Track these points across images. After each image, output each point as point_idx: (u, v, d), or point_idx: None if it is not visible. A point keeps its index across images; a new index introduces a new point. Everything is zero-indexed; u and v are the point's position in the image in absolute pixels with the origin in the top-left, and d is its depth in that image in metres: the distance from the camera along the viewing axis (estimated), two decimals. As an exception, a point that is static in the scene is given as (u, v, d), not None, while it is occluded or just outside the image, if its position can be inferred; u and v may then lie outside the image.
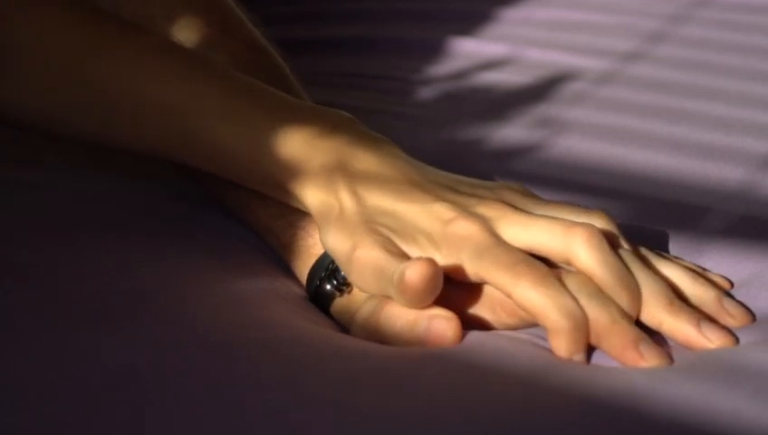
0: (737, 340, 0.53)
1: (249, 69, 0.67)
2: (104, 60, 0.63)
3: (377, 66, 0.92)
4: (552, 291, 0.52)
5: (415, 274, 0.53)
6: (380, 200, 0.57)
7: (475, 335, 0.54)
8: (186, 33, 0.71)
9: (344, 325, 0.58)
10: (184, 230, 0.64)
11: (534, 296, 0.52)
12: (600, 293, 0.53)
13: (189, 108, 0.61)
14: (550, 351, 0.52)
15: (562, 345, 0.52)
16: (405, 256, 0.55)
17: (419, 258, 0.53)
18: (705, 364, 0.50)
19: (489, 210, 0.56)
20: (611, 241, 0.55)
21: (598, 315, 0.52)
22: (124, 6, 0.70)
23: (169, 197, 0.67)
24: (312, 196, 0.59)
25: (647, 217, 0.65)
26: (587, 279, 0.53)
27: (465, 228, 0.55)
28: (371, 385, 0.48)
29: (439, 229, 0.55)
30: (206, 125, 0.61)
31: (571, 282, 0.53)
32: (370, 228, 0.56)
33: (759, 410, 0.46)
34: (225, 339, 0.52)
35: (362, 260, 0.55)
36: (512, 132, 0.79)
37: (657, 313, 0.53)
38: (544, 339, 0.53)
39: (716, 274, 0.59)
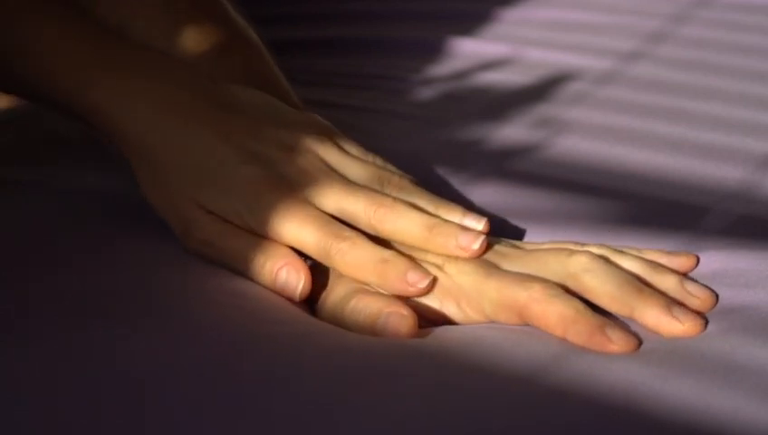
0: (706, 322, 0.54)
1: (222, 46, 0.68)
2: None
3: (377, 66, 0.92)
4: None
5: (291, 281, 0.57)
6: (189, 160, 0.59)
7: (472, 330, 0.54)
8: (153, 8, 0.71)
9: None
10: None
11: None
12: (562, 292, 0.54)
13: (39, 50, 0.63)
14: (548, 346, 0.52)
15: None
16: (236, 230, 0.58)
17: (297, 268, 0.57)
18: (704, 362, 0.50)
19: (302, 175, 0.58)
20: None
21: (563, 309, 0.53)
22: None
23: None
24: (135, 139, 0.61)
25: (647, 217, 0.65)
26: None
27: (278, 200, 0.57)
28: (369, 383, 0.48)
29: (251, 199, 0.57)
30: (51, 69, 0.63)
31: (537, 284, 0.54)
32: (190, 200, 0.58)
33: (758, 408, 0.46)
34: (223, 336, 0.52)
35: (199, 241, 0.59)
36: (512, 132, 0.79)
37: (628, 300, 0.54)
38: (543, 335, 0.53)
39: (680, 252, 0.59)
